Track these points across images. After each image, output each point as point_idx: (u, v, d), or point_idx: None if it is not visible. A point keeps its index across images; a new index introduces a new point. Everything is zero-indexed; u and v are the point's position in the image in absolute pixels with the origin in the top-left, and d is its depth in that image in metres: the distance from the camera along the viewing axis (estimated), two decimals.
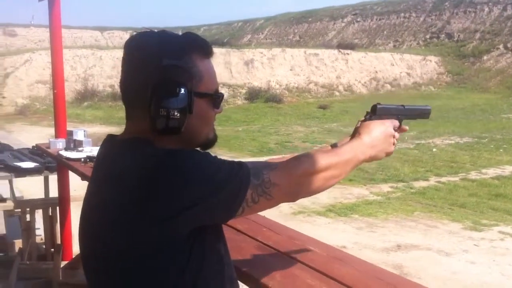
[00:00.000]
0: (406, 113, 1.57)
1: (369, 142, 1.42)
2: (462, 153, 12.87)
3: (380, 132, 1.45)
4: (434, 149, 13.34)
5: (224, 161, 1.21)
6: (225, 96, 24.57)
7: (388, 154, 1.49)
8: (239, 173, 1.18)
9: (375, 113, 1.49)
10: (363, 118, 1.50)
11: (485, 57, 34.43)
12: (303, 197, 1.32)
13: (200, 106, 1.25)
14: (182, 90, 1.19)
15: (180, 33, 1.32)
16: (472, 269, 5.54)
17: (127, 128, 1.29)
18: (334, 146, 1.52)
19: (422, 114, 1.66)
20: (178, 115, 1.18)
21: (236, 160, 1.26)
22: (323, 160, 1.30)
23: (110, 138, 1.33)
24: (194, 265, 1.18)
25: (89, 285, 1.31)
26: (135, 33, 1.30)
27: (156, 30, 1.29)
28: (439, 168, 10.98)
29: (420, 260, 5.75)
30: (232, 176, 1.16)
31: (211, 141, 1.34)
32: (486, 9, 38.45)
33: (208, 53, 1.29)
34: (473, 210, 7.86)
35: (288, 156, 1.56)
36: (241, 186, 1.17)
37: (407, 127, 1.57)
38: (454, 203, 8.26)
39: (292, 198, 1.30)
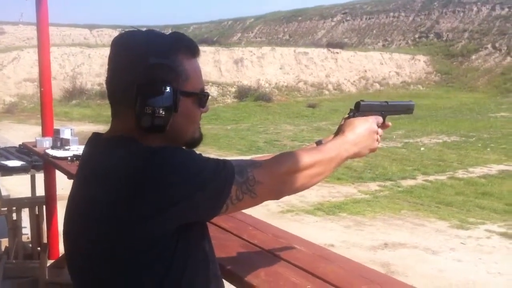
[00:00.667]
0: (389, 109, 1.58)
1: (352, 139, 1.43)
2: (450, 152, 12.95)
3: (363, 129, 1.45)
4: (422, 148, 13.41)
5: (209, 158, 1.21)
6: (215, 94, 24.63)
7: (371, 151, 1.49)
8: (224, 171, 1.18)
9: (359, 110, 1.50)
10: (346, 116, 1.51)
11: (473, 57, 34.65)
12: (288, 195, 1.33)
13: (186, 105, 1.25)
14: (168, 89, 1.19)
15: (169, 31, 1.33)
16: (459, 267, 5.57)
17: (112, 126, 1.30)
18: (318, 143, 1.53)
19: (405, 109, 1.67)
20: (163, 113, 1.19)
21: (221, 158, 1.26)
22: (307, 158, 1.31)
23: (96, 136, 1.34)
24: (179, 263, 1.18)
25: (74, 284, 1.30)
26: (123, 31, 1.30)
27: (143, 29, 1.30)
28: (427, 166, 11.04)
29: (407, 258, 5.78)
30: (216, 174, 1.17)
31: (197, 140, 1.35)
32: (475, 9, 38.70)
33: (195, 53, 1.30)
34: (460, 209, 7.91)
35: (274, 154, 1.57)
36: (225, 184, 1.18)
37: (390, 123, 1.58)
38: (441, 201, 8.31)
39: (276, 195, 1.31)
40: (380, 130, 1.51)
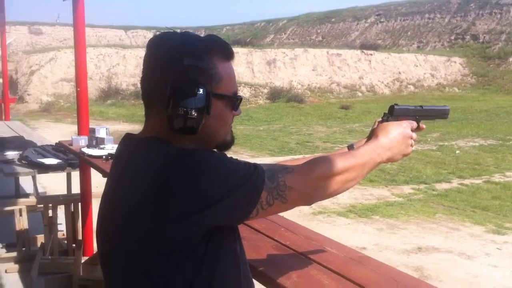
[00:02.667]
0: (424, 113, 1.55)
1: (386, 144, 1.41)
2: (486, 155, 12.69)
3: (397, 133, 1.43)
4: (457, 151, 13.18)
5: (239, 162, 1.21)
6: (247, 95, 24.68)
7: (405, 156, 1.47)
8: (254, 175, 1.18)
9: (393, 114, 1.48)
10: (380, 119, 1.49)
11: (510, 59, 33.88)
12: (319, 201, 1.32)
13: (218, 108, 1.26)
14: (201, 91, 1.20)
15: (203, 33, 1.34)
16: (494, 272, 5.46)
17: (145, 126, 1.31)
18: (351, 147, 1.51)
19: (440, 114, 1.64)
20: (196, 114, 1.20)
21: (252, 161, 1.26)
22: (339, 163, 1.29)
23: (128, 136, 1.35)
24: (210, 264, 1.19)
25: (106, 281, 1.32)
26: (158, 32, 1.32)
27: (179, 31, 1.31)
28: (462, 170, 10.85)
29: (441, 263, 5.69)
30: (246, 178, 1.17)
31: (228, 143, 1.35)
32: None
33: (229, 56, 1.31)
34: (496, 213, 7.75)
35: (307, 157, 1.56)
36: (255, 189, 1.18)
37: (424, 126, 1.55)
38: (476, 205, 8.15)
39: (308, 201, 1.30)
40: (414, 135, 1.49)
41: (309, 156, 1.57)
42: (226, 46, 1.30)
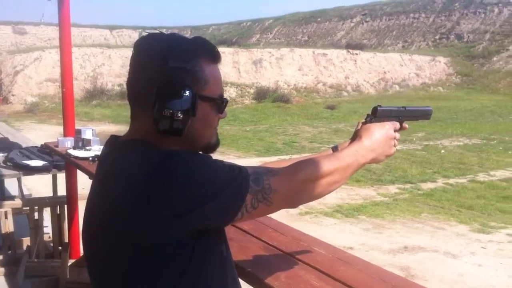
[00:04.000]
0: (407, 114, 1.57)
1: (369, 145, 1.42)
2: (471, 154, 12.81)
3: (380, 135, 1.45)
4: (442, 151, 13.29)
5: (224, 165, 1.21)
6: (233, 95, 24.62)
7: (388, 156, 1.49)
8: (238, 178, 1.18)
9: (376, 115, 1.49)
10: (363, 120, 1.50)
11: (494, 58, 34.28)
12: (304, 203, 1.33)
13: (204, 110, 1.26)
14: (187, 93, 1.20)
15: (189, 32, 1.33)
16: (480, 271, 5.51)
17: (131, 128, 1.31)
18: (335, 149, 1.53)
19: (423, 115, 1.66)
20: (182, 116, 1.19)
21: (238, 163, 1.26)
22: (324, 166, 1.30)
23: (113, 139, 1.35)
24: (196, 266, 1.19)
25: (92, 284, 1.32)
26: (144, 32, 1.32)
27: (165, 32, 1.31)
28: (447, 169, 10.94)
29: (426, 262, 5.73)
30: (231, 181, 1.17)
31: (213, 146, 1.35)
32: (496, 10, 38.28)
33: (216, 59, 1.31)
34: (481, 212, 7.82)
35: (294, 158, 1.57)
36: (240, 192, 1.18)
37: (407, 126, 1.57)
38: (461, 205, 8.23)
39: (293, 204, 1.30)
40: (397, 135, 1.50)
41: (295, 157, 1.58)
42: (213, 49, 1.30)
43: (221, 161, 1.23)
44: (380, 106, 1.51)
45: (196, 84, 1.23)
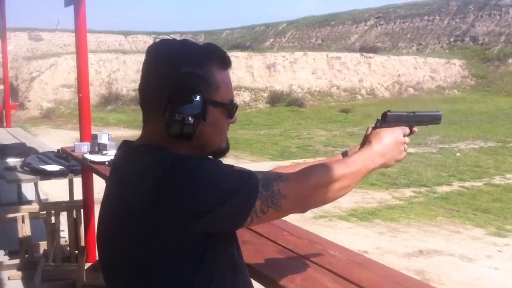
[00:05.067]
0: (416, 119, 1.57)
1: (379, 151, 1.43)
2: (486, 157, 12.71)
3: (390, 140, 1.45)
4: (457, 154, 13.19)
5: (234, 170, 1.23)
6: (247, 99, 24.61)
7: (397, 161, 1.49)
8: (247, 184, 1.19)
9: (386, 120, 1.50)
10: (373, 125, 1.51)
11: (510, 60, 33.91)
12: (313, 208, 1.33)
13: (214, 115, 1.28)
14: (198, 98, 1.22)
15: (202, 37, 1.36)
16: (496, 275, 5.47)
17: (143, 133, 1.33)
18: (345, 154, 1.54)
19: (433, 120, 1.65)
20: (192, 121, 1.21)
21: (246, 169, 1.28)
22: (333, 171, 1.31)
23: (125, 143, 1.37)
24: (207, 269, 1.20)
25: (107, 286, 1.34)
26: (158, 38, 1.34)
27: (178, 38, 1.33)
28: (463, 172, 10.86)
29: (442, 265, 5.70)
30: (240, 187, 1.18)
31: (223, 150, 1.37)
32: None
33: (227, 65, 1.33)
34: (497, 216, 7.76)
35: (307, 162, 1.58)
36: (249, 197, 1.19)
37: (416, 129, 1.56)
38: (477, 208, 8.16)
39: (302, 209, 1.31)
40: (407, 139, 1.51)
41: (309, 161, 1.59)
42: (224, 55, 1.32)
43: (231, 166, 1.24)
44: (389, 111, 1.52)
45: (207, 89, 1.25)
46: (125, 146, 1.36)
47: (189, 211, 1.14)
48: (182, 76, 1.23)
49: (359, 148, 1.48)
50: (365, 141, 1.48)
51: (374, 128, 1.50)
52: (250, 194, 1.19)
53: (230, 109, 1.33)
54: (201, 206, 1.14)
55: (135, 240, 1.18)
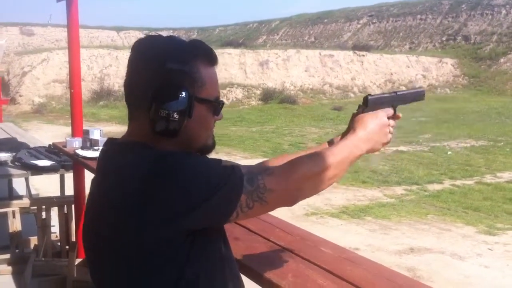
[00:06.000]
0: (399, 99, 1.54)
1: (364, 136, 1.41)
2: (477, 156, 12.76)
3: (374, 124, 1.43)
4: (449, 152, 13.24)
5: (218, 165, 1.22)
6: (240, 96, 24.58)
7: (384, 144, 1.47)
8: (231, 178, 1.19)
9: (368, 104, 1.48)
10: (355, 112, 1.49)
11: (502, 60, 34.09)
12: (301, 200, 1.32)
13: (200, 112, 1.28)
14: (183, 94, 1.22)
15: (195, 34, 1.35)
16: (486, 273, 5.50)
17: (128, 130, 1.33)
18: (331, 142, 1.52)
19: (416, 97, 1.62)
20: (177, 117, 1.21)
21: (231, 163, 1.27)
22: (319, 162, 1.30)
23: (110, 141, 1.37)
24: (194, 264, 1.20)
25: (93, 282, 1.34)
26: (145, 35, 1.34)
27: (172, 33, 1.33)
28: (454, 171, 10.90)
29: (433, 263, 5.72)
30: (224, 182, 1.17)
31: (209, 147, 1.36)
32: (504, 12, 38.08)
33: (213, 61, 1.32)
34: (487, 214, 7.80)
35: (296, 152, 1.57)
36: (233, 192, 1.18)
37: (400, 114, 1.54)
38: (468, 206, 8.20)
39: (290, 202, 1.29)
40: (392, 122, 1.48)
41: (301, 152, 1.58)
42: (210, 51, 1.32)
43: (217, 161, 1.23)
44: (370, 95, 1.50)
45: (192, 85, 1.24)
46: (110, 143, 1.36)
47: (175, 207, 1.13)
48: (168, 73, 1.22)
49: (344, 136, 1.45)
50: (349, 128, 1.45)
51: (357, 114, 1.47)
52: (234, 189, 1.18)
53: (216, 106, 1.32)
54: (187, 202, 1.13)
55: (121, 237, 1.17)
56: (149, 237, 1.14)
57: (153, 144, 1.24)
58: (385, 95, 1.53)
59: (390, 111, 1.49)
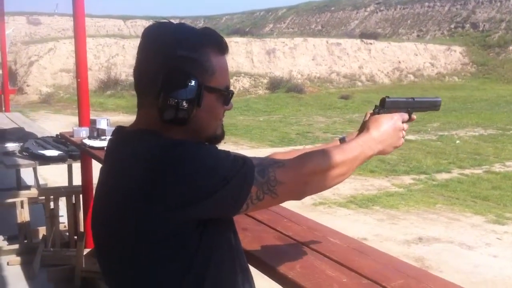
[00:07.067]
0: (415, 105, 1.54)
1: (377, 137, 1.41)
2: (486, 145, 12.70)
3: (388, 126, 1.43)
4: (457, 141, 13.19)
5: (229, 156, 1.20)
6: (247, 85, 24.56)
7: (396, 148, 1.47)
8: (243, 170, 1.18)
9: (385, 106, 1.48)
10: (371, 111, 1.49)
11: (510, 48, 33.82)
12: (310, 195, 1.32)
13: (210, 101, 1.26)
14: (193, 82, 1.20)
15: (202, 22, 1.33)
16: (495, 262, 5.48)
17: (137, 118, 1.32)
18: (342, 140, 1.52)
19: (432, 106, 1.63)
20: (186, 106, 1.19)
21: (242, 154, 1.26)
22: (330, 158, 1.29)
23: (119, 129, 1.36)
24: (203, 255, 1.19)
25: (102, 272, 1.34)
26: (155, 22, 1.31)
27: (175, 22, 1.31)
28: (462, 160, 10.86)
29: (441, 253, 5.71)
30: (236, 172, 1.16)
31: (219, 137, 1.34)
32: None
33: (223, 50, 1.30)
34: (496, 203, 7.77)
35: (307, 148, 1.56)
36: (244, 184, 1.17)
37: (415, 117, 1.54)
38: (477, 195, 8.17)
39: (298, 196, 1.29)
40: (405, 126, 1.49)
41: (309, 147, 1.57)
42: (221, 40, 1.29)
43: (226, 152, 1.22)
44: (388, 97, 1.50)
45: (202, 74, 1.23)
46: (119, 132, 1.34)
47: (184, 197, 1.12)
48: (177, 60, 1.20)
49: (357, 134, 1.45)
50: (364, 127, 1.45)
51: (373, 114, 1.47)
52: (246, 181, 1.17)
53: (226, 95, 1.30)
54: (196, 192, 1.12)
55: (130, 226, 1.16)
56: (160, 226, 1.13)
57: (161, 133, 1.22)
58: (403, 99, 1.53)
59: (405, 115, 1.50)
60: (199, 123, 1.25)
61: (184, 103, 1.19)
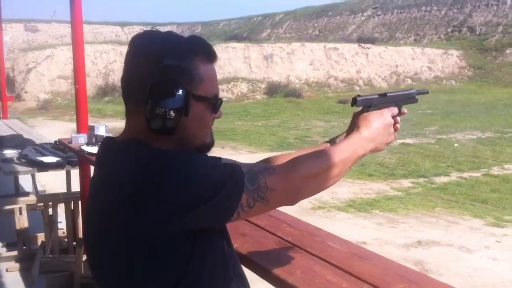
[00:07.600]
0: (389, 101, 1.51)
1: (368, 135, 1.39)
2: (484, 148, 12.71)
3: (379, 123, 1.42)
4: (455, 144, 13.19)
5: (218, 165, 1.20)
6: (245, 90, 24.52)
7: (388, 144, 1.46)
8: (233, 178, 1.17)
9: (356, 105, 1.46)
10: (357, 110, 1.47)
11: (507, 51, 33.88)
12: (303, 199, 1.31)
13: (198, 109, 1.25)
14: (180, 91, 1.19)
15: (199, 28, 1.33)
16: (494, 265, 5.48)
17: (126, 127, 1.31)
18: (332, 142, 1.51)
19: (407, 99, 1.58)
20: (174, 114, 1.18)
21: (231, 162, 1.25)
22: (321, 161, 1.28)
23: (108, 140, 1.35)
24: (196, 265, 1.19)
25: (95, 281, 1.33)
26: (142, 31, 1.31)
27: (175, 29, 1.30)
28: (461, 163, 10.86)
29: (441, 256, 5.70)
30: (225, 181, 1.15)
31: (207, 146, 1.34)
32: (509, 2, 37.80)
33: (212, 58, 1.29)
34: (495, 206, 7.77)
35: (300, 150, 1.55)
36: (235, 192, 1.16)
37: (406, 110, 1.53)
38: (475, 199, 8.17)
39: (290, 201, 1.28)
40: (398, 119, 1.48)
41: (303, 150, 1.56)
42: (209, 48, 1.29)
43: (216, 160, 1.21)
44: (359, 95, 1.48)
45: (190, 83, 1.22)
46: (107, 143, 1.34)
47: (174, 207, 1.11)
48: (165, 69, 1.19)
49: (347, 134, 1.44)
50: (353, 126, 1.44)
51: (361, 112, 1.46)
52: (236, 189, 1.16)
53: (214, 103, 1.29)
54: (186, 202, 1.11)
55: (121, 237, 1.16)
56: (150, 237, 1.13)
57: (150, 142, 1.21)
58: (374, 96, 1.51)
59: (395, 110, 1.48)
60: (187, 132, 1.24)
61: (172, 112, 1.18)
